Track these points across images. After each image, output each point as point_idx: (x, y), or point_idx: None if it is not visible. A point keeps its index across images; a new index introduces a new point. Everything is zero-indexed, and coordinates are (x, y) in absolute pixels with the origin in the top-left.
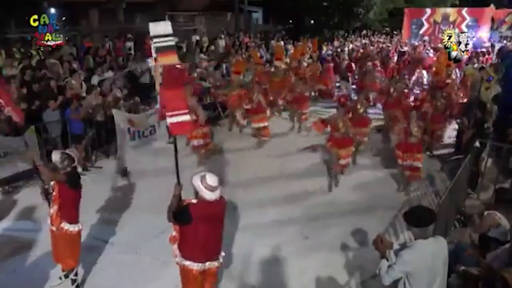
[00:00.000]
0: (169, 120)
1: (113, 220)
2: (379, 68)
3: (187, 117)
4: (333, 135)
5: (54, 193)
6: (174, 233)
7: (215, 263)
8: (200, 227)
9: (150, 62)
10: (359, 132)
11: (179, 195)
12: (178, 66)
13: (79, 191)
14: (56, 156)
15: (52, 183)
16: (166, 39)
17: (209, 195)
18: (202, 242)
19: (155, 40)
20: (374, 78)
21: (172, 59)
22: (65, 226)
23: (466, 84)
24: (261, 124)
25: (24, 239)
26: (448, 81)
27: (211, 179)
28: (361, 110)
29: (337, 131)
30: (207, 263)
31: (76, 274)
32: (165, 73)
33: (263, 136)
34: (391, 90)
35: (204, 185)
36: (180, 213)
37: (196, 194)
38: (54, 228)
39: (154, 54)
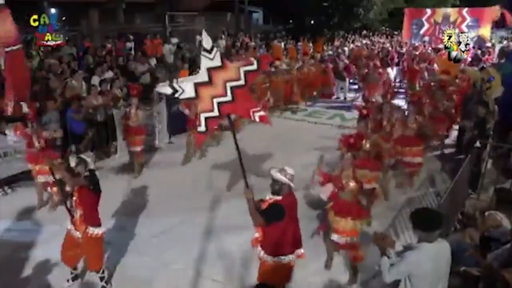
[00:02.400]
0: (258, 114)
1: (113, 221)
2: (380, 70)
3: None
4: (336, 196)
5: (75, 199)
6: (256, 235)
7: (301, 250)
8: (290, 219)
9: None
10: (367, 177)
11: (252, 198)
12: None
13: (99, 194)
14: (72, 161)
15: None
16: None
17: (293, 185)
18: (292, 234)
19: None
20: (376, 79)
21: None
22: (90, 230)
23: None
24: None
25: (24, 239)
26: (456, 80)
27: (290, 170)
28: (367, 146)
29: (342, 190)
30: (296, 251)
31: (103, 272)
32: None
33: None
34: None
35: (289, 177)
36: (272, 212)
37: (279, 189)
38: (78, 234)
39: (215, 64)
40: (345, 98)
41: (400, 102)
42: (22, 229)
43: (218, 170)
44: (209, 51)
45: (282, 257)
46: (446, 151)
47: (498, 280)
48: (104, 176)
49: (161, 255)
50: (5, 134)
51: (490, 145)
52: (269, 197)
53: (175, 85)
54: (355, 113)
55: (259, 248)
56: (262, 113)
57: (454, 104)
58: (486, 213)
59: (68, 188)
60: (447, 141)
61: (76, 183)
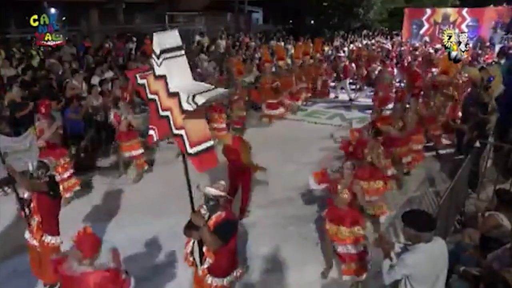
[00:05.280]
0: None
1: (113, 220)
2: (390, 69)
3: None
4: (333, 204)
5: (33, 205)
6: (209, 262)
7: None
8: (236, 232)
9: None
10: (370, 189)
11: (204, 220)
12: None
13: (58, 200)
14: (31, 165)
15: (27, 194)
16: (177, 53)
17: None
18: (236, 247)
19: (164, 55)
20: (388, 79)
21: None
22: (47, 238)
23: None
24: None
25: (24, 239)
26: (455, 80)
27: (221, 181)
28: (369, 158)
29: (335, 195)
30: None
31: None
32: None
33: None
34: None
35: (222, 189)
36: (228, 230)
37: (218, 205)
38: (35, 242)
39: (161, 72)
40: (350, 99)
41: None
42: (22, 230)
43: (218, 171)
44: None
45: (233, 272)
46: (446, 151)
47: (498, 280)
48: (105, 176)
49: (162, 255)
50: (5, 134)
51: (490, 145)
52: (207, 215)
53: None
54: (355, 113)
55: (209, 278)
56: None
57: (452, 103)
58: (486, 214)
59: (25, 195)
60: (447, 141)
61: (32, 187)
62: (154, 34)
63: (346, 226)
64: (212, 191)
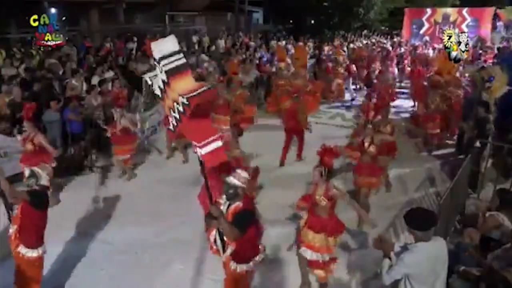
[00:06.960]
0: (201, 152)
1: (113, 220)
2: (392, 69)
3: (219, 143)
4: (312, 210)
5: (16, 212)
6: (231, 249)
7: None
8: (256, 220)
9: (151, 80)
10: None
11: (220, 211)
12: (203, 90)
13: (44, 212)
14: (26, 172)
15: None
16: (174, 57)
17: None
18: (256, 234)
19: (162, 62)
20: (389, 79)
21: (188, 80)
22: (22, 250)
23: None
24: None
25: None
26: (453, 80)
27: (244, 173)
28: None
29: (316, 205)
30: (260, 247)
31: None
32: (193, 105)
33: None
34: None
35: (242, 181)
36: (245, 221)
37: (235, 194)
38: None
39: (163, 78)
40: (352, 99)
41: (402, 102)
42: None
43: None
44: (158, 62)
45: (256, 258)
46: (446, 151)
47: (499, 280)
48: (105, 176)
49: (161, 255)
50: (5, 134)
51: (490, 145)
52: (227, 204)
53: (150, 77)
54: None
55: (233, 264)
56: (206, 150)
57: (451, 104)
58: (487, 214)
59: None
60: (447, 141)
61: (14, 195)
62: (152, 43)
63: (324, 235)
64: (234, 180)
